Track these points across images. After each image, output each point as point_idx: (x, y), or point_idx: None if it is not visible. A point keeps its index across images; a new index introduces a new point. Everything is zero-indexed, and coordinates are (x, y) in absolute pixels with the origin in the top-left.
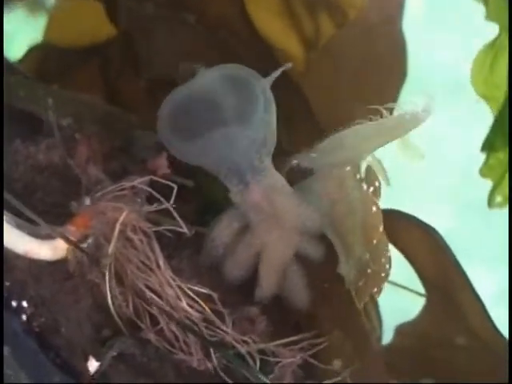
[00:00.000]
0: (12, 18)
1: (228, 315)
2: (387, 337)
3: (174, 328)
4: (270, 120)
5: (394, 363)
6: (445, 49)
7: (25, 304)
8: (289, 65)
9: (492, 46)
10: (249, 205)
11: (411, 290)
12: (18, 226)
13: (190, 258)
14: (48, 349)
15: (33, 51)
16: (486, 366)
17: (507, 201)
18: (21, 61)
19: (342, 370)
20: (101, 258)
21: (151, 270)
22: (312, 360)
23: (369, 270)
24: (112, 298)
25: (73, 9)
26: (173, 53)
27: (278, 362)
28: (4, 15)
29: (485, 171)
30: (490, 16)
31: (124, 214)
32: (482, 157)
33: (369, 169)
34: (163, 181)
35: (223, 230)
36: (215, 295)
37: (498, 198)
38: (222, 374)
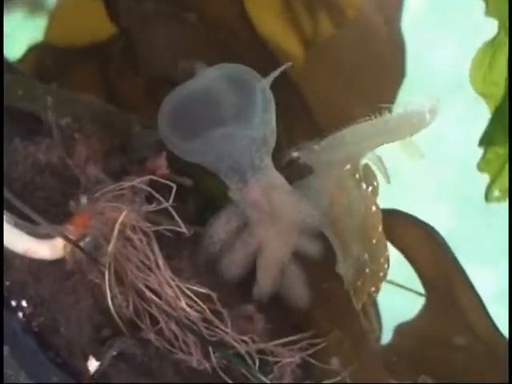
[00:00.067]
0: (12, 19)
1: (227, 315)
2: (386, 337)
3: (173, 328)
4: (270, 119)
5: (394, 363)
6: (444, 48)
7: (24, 303)
8: (288, 64)
9: (491, 44)
10: (248, 203)
11: (411, 290)
12: (17, 225)
13: (190, 257)
14: (47, 348)
15: (32, 50)
16: (485, 365)
17: (505, 195)
18: (20, 60)
19: (341, 369)
20: (100, 257)
21: (150, 269)
22: (311, 360)
23: (367, 270)
24: (112, 297)
25: (73, 8)
26: (172, 51)
27: (277, 362)
28: (4, 16)
29: (482, 165)
30: (489, 12)
31: (123, 213)
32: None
33: (367, 168)
34: (162, 180)
35: (221, 226)
36: (214, 295)
37: (496, 193)
38: (221, 373)
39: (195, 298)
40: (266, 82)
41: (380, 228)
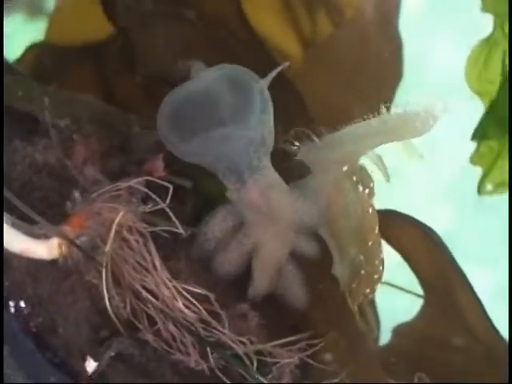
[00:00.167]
0: (11, 21)
1: (225, 316)
2: (385, 337)
3: (171, 328)
4: (268, 120)
5: (392, 363)
6: (442, 48)
7: (22, 304)
8: (285, 64)
9: (486, 42)
10: (245, 203)
11: (409, 292)
12: (14, 225)
13: (188, 258)
14: (45, 349)
15: (31, 50)
16: (483, 366)
17: (497, 189)
18: (19, 60)
19: (338, 369)
20: (96, 256)
21: (147, 270)
22: (310, 360)
23: (362, 271)
24: (109, 298)
25: (72, 10)
26: (171, 50)
27: (275, 363)
28: (4, 16)
29: (475, 159)
30: (485, 7)
31: (120, 214)
32: None
33: (364, 170)
34: (159, 181)
35: (217, 224)
36: (212, 296)
37: (489, 186)
38: (219, 374)
39: (192, 299)
40: (264, 83)
41: (376, 230)
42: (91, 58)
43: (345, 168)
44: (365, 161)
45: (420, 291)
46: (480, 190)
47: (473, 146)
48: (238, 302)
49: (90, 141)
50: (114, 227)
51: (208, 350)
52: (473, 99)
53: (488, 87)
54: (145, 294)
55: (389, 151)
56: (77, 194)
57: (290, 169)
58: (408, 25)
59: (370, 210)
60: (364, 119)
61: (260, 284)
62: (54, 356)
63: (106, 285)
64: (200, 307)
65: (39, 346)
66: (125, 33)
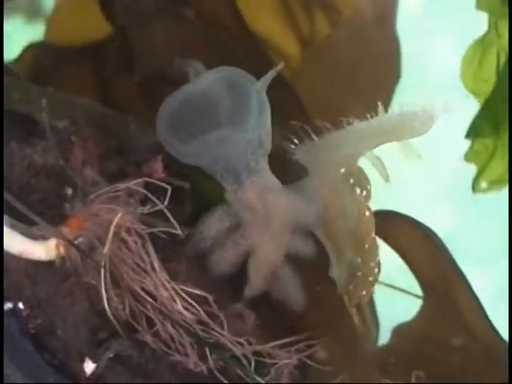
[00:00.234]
0: (10, 23)
1: (223, 317)
2: (384, 337)
3: (169, 329)
4: (265, 122)
5: (392, 364)
6: (441, 47)
7: (21, 305)
8: (281, 65)
9: (480, 42)
10: (242, 204)
11: (408, 293)
12: (12, 227)
13: (188, 260)
14: (44, 350)
15: (29, 49)
16: (483, 366)
17: (492, 187)
18: (17, 60)
19: (335, 369)
20: (95, 257)
21: (146, 272)
22: (308, 361)
23: (359, 273)
24: (108, 300)
25: (71, 11)
26: (169, 49)
27: (274, 364)
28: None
29: (470, 156)
30: (479, 5)
31: (118, 215)
32: None
33: (361, 173)
34: (158, 182)
35: (213, 224)
36: (211, 297)
37: (483, 184)
38: (218, 374)
39: (190, 301)
40: (262, 85)
41: (372, 233)
42: (89, 57)
43: (342, 170)
44: (364, 162)
45: (419, 292)
46: (475, 187)
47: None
48: (234, 301)
49: (89, 143)
50: (113, 228)
51: (207, 351)
52: (470, 98)
53: (483, 86)
54: (143, 295)
55: (387, 152)
56: (69, 191)
57: (287, 170)
58: (406, 25)
59: (367, 213)
60: (362, 119)
61: (256, 284)
62: (53, 357)
63: (105, 286)
64: (199, 308)
65: (38, 348)
66: (123, 32)
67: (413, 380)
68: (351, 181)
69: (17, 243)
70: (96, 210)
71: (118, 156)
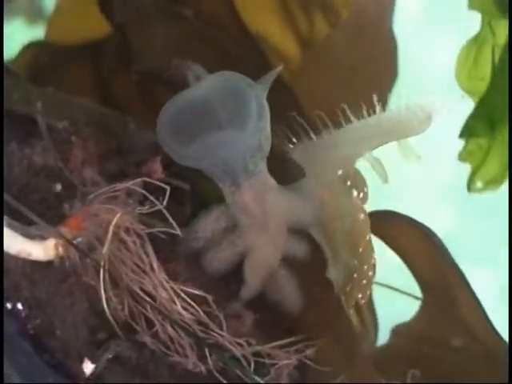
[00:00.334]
0: (10, 25)
1: (223, 318)
2: (383, 337)
3: (169, 330)
4: (265, 126)
5: (391, 364)
6: (438, 47)
7: (20, 306)
8: (280, 67)
9: (474, 41)
10: (239, 206)
11: (407, 294)
12: (10, 227)
13: (187, 260)
14: (43, 351)
15: (28, 49)
16: (482, 366)
17: (487, 186)
18: (16, 59)
19: (334, 370)
20: (94, 257)
21: (145, 272)
22: (308, 362)
23: (355, 275)
24: (107, 300)
25: (70, 12)
26: (167, 48)
27: (273, 364)
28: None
29: (464, 156)
30: (471, 5)
31: (117, 215)
32: None
33: (358, 175)
34: (157, 182)
35: (209, 224)
36: (210, 298)
37: (478, 184)
38: (217, 375)
39: (189, 301)
40: (261, 89)
41: (368, 236)
42: (88, 56)
43: (340, 172)
44: (363, 162)
45: (418, 292)
46: (470, 187)
47: None
48: (231, 302)
49: (88, 143)
50: (112, 228)
51: (206, 351)
52: (466, 98)
53: (478, 85)
54: (142, 295)
55: (386, 152)
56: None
57: (284, 171)
58: (403, 24)
59: (362, 216)
60: (360, 119)
61: (252, 285)
62: (52, 358)
63: (104, 286)
64: (198, 309)
65: (37, 348)
66: (122, 31)
67: (408, 380)
68: (348, 183)
69: (15, 243)
70: (95, 210)
71: (118, 156)
